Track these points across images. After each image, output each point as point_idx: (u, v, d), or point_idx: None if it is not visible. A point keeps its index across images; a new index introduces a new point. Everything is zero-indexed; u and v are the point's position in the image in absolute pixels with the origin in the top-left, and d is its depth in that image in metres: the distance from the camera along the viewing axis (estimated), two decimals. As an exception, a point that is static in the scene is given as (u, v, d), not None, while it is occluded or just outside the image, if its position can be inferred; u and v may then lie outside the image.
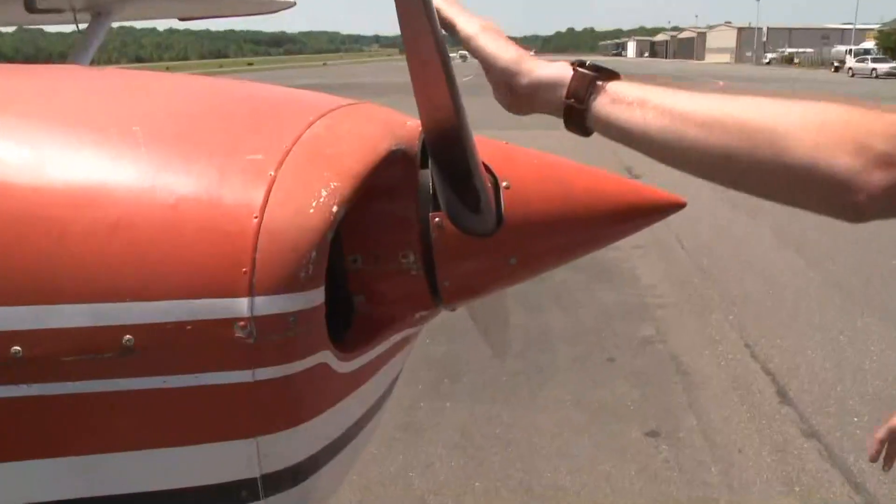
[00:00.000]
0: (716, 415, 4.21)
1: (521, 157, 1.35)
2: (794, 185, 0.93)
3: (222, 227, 0.99)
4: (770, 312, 5.89)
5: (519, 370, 4.77)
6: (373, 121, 1.31)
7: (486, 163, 1.26)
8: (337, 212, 1.04)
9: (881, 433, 1.93)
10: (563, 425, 4.10)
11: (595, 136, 1.20)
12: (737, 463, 3.75)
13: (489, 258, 1.26)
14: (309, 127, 1.16)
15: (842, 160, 0.88)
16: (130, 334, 0.97)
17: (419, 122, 1.17)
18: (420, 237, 1.23)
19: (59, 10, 3.87)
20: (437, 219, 1.22)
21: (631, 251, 7.54)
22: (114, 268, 0.98)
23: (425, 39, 0.98)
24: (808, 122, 0.91)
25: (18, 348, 0.98)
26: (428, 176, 1.24)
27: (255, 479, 1.08)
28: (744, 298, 6.21)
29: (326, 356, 1.08)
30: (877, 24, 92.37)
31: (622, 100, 1.06)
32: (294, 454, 1.10)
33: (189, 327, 0.97)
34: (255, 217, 0.99)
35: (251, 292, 0.97)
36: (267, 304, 0.98)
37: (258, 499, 1.10)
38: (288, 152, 1.07)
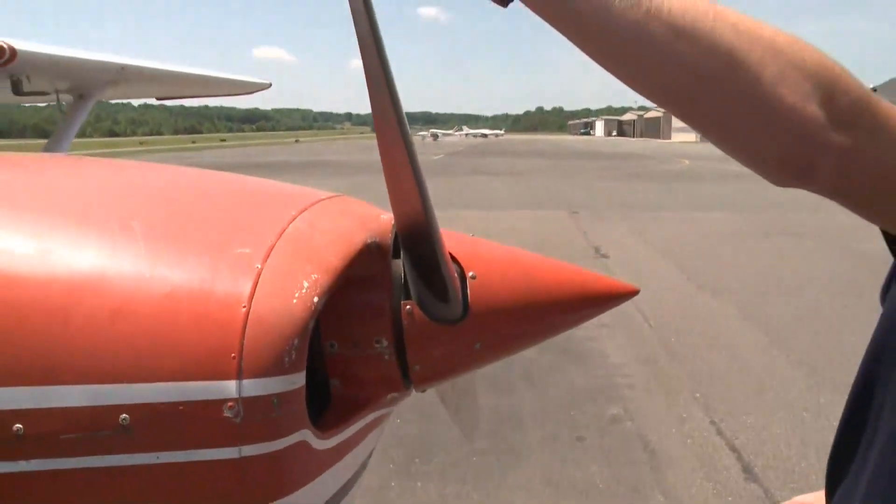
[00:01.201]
0: (683, 492, 4.28)
1: (487, 249, 1.46)
2: (756, 124, 0.81)
3: (213, 315, 1.09)
4: (736, 390, 5.98)
5: (489, 450, 4.81)
6: (349, 215, 1.42)
7: (454, 255, 1.37)
8: (317, 302, 1.14)
9: None
10: (533, 505, 4.15)
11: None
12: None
13: (456, 344, 1.37)
14: (291, 222, 1.27)
15: (812, 108, 0.79)
16: (127, 413, 1.06)
17: (392, 215, 1.29)
18: (392, 324, 1.34)
19: (44, 93, 4.00)
20: (408, 307, 1.32)
21: (599, 330, 7.64)
22: (112, 352, 1.07)
23: (398, 148, 1.09)
24: (785, 57, 0.80)
25: (20, 426, 1.06)
26: (400, 266, 1.36)
27: (238, 552, 1.16)
28: (710, 376, 6.30)
29: (306, 434, 1.17)
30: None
31: None
32: (275, 527, 1.18)
33: (181, 407, 1.06)
34: (244, 307, 1.09)
35: (239, 376, 1.06)
36: (253, 387, 1.07)
37: (240, 571, 1.17)
38: (272, 247, 1.18)
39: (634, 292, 1.56)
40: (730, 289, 9.17)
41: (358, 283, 1.33)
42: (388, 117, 1.07)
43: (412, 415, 5.20)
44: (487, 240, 1.51)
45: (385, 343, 1.34)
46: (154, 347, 1.07)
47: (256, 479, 1.12)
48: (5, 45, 2.92)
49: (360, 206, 1.55)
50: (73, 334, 1.07)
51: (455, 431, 4.66)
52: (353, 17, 0.98)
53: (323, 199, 1.46)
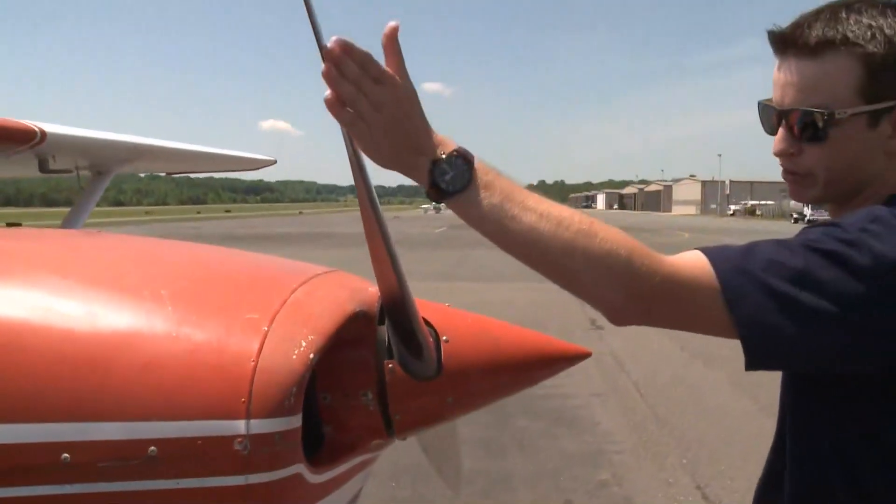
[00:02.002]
0: (666, 555, 4.45)
1: (459, 317, 1.73)
2: (582, 290, 1.28)
3: (227, 367, 1.35)
4: (723, 456, 6.15)
5: (481, 511, 4.99)
6: (342, 288, 1.69)
7: (431, 321, 1.64)
8: (313, 358, 1.40)
9: None
10: (521, 564, 4.31)
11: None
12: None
13: (432, 398, 1.63)
14: (293, 292, 1.54)
15: (615, 296, 1.25)
16: (155, 446, 1.31)
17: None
18: (377, 380, 1.60)
19: (66, 171, 4.30)
20: (390, 365, 1.59)
21: (590, 398, 7.84)
22: (144, 395, 1.33)
23: (378, 241, 1.38)
24: (597, 259, 1.22)
25: (67, 455, 1.31)
26: (384, 331, 1.63)
27: (242, 567, 1.40)
28: (698, 443, 6.47)
29: (301, 468, 1.42)
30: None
31: (489, 188, 1.25)
32: (274, 546, 1.42)
33: (200, 441, 1.32)
34: (252, 361, 1.35)
35: (248, 416, 1.32)
36: (259, 426, 1.32)
37: (243, 585, 1.41)
38: (277, 312, 1.45)
39: (587, 354, 1.82)
40: (721, 357, 9.33)
41: (348, 344, 1.60)
42: (371, 222, 1.37)
43: (407, 478, 5.38)
44: (460, 309, 1.78)
45: (370, 396, 1.61)
46: (178, 392, 1.33)
47: (260, 503, 1.36)
48: (37, 129, 3.22)
49: (352, 279, 1.82)
50: (113, 381, 1.33)
51: (448, 494, 4.86)
52: (346, 147, 1.28)
53: (320, 274, 1.74)
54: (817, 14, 1.35)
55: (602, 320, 9.27)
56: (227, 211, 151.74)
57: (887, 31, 1.30)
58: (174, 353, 1.36)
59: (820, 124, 1.35)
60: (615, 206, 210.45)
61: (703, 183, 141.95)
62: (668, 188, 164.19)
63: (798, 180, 1.46)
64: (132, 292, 1.49)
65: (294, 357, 1.38)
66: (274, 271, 1.81)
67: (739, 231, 54.91)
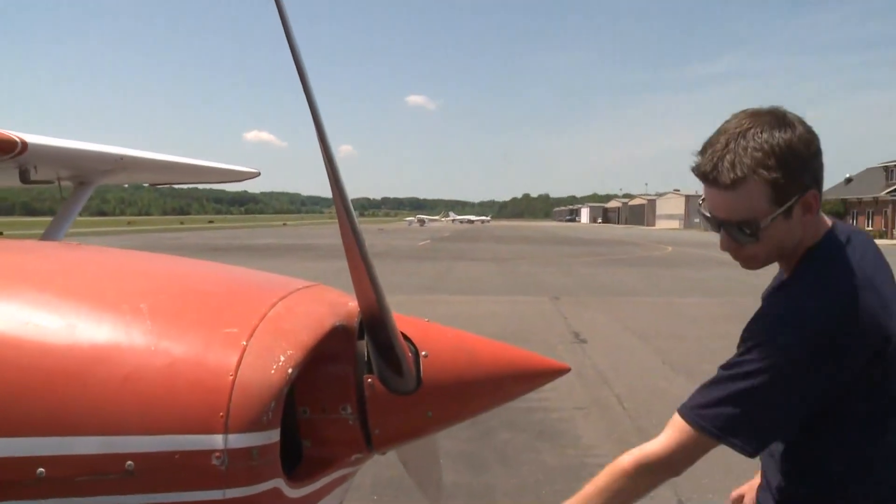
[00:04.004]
0: (646, 569, 4.44)
1: (438, 332, 1.73)
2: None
3: (206, 382, 1.35)
4: (703, 471, 6.13)
5: (462, 525, 4.98)
6: (322, 302, 1.70)
7: (411, 336, 1.65)
8: (291, 373, 1.40)
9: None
10: (502, 578, 4.30)
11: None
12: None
13: (411, 412, 1.63)
14: (272, 307, 1.54)
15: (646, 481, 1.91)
16: (132, 460, 1.31)
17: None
18: (356, 394, 1.61)
19: (48, 182, 4.27)
20: (369, 380, 1.60)
21: (573, 412, 7.85)
22: (122, 409, 1.32)
23: (358, 258, 1.40)
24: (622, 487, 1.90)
25: (42, 469, 1.31)
26: (364, 346, 1.63)
27: (220, 582, 1.39)
28: (679, 458, 6.49)
29: (279, 483, 1.42)
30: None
31: None
32: (252, 561, 1.41)
33: (177, 456, 1.31)
34: (231, 375, 1.35)
35: (225, 431, 1.32)
36: (237, 440, 1.32)
37: None
38: (256, 327, 1.45)
39: (566, 370, 1.83)
40: (704, 371, 9.23)
41: (328, 358, 1.60)
42: (351, 240, 1.41)
43: (389, 491, 5.37)
44: (439, 324, 1.78)
45: (350, 410, 1.61)
46: (156, 406, 1.33)
47: (238, 518, 1.36)
48: (18, 139, 3.20)
49: (332, 294, 1.82)
50: (91, 394, 1.33)
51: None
52: (325, 165, 1.32)
53: (301, 289, 1.74)
54: (725, 147, 1.72)
55: (585, 334, 9.41)
56: (211, 222, 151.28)
57: (782, 147, 1.68)
58: (153, 367, 1.36)
59: (749, 231, 1.77)
60: (599, 220, 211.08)
61: (687, 197, 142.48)
62: (652, 202, 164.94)
63: (744, 262, 1.92)
64: (111, 306, 1.48)
65: (273, 371, 1.38)
66: (253, 286, 1.80)
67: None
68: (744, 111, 1.78)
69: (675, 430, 1.83)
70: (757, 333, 1.75)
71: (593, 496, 1.88)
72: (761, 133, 1.69)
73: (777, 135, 1.68)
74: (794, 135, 1.70)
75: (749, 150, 1.68)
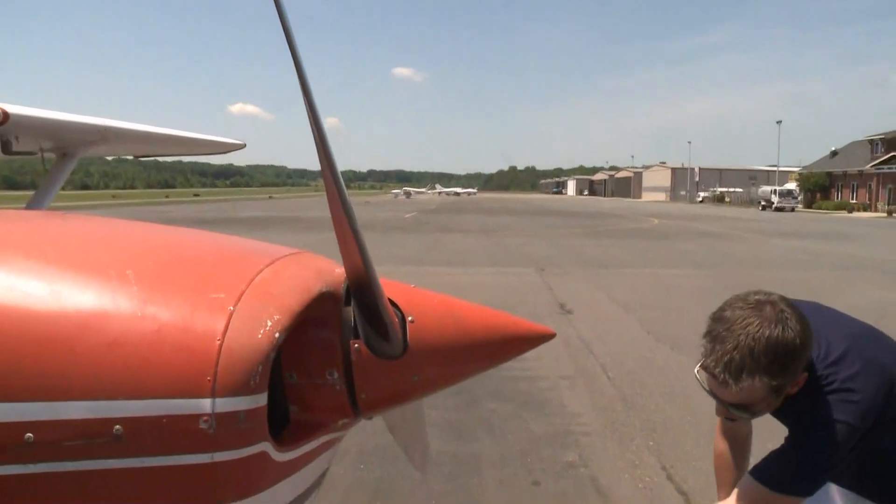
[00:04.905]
0: (631, 533, 4.51)
1: (424, 297, 1.74)
2: None
3: (193, 346, 1.35)
4: (689, 438, 6.23)
5: (448, 492, 5.02)
6: (308, 268, 1.70)
7: (397, 301, 1.66)
8: (278, 337, 1.41)
9: None
10: (489, 544, 4.36)
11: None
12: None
13: (397, 376, 1.64)
14: (259, 273, 1.55)
15: None
16: (120, 424, 1.32)
17: None
18: (343, 359, 1.62)
19: (30, 153, 4.24)
20: (356, 345, 1.61)
21: (559, 381, 7.91)
22: (109, 374, 1.33)
23: (344, 223, 1.40)
24: None
25: (31, 434, 1.31)
26: (351, 311, 1.64)
27: (209, 543, 1.41)
28: (664, 425, 6.55)
29: (267, 446, 1.43)
30: (797, 166, 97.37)
31: None
32: (240, 522, 1.43)
33: (165, 420, 1.32)
34: (218, 340, 1.36)
35: (213, 395, 1.33)
36: (224, 404, 1.33)
37: (211, 558, 1.42)
38: (243, 293, 1.45)
39: (551, 335, 1.85)
40: (688, 342, 9.42)
41: (314, 324, 1.61)
42: (337, 203, 1.42)
43: (375, 459, 5.41)
44: (426, 289, 1.79)
45: (336, 375, 1.62)
46: (144, 371, 1.33)
47: (225, 481, 1.38)
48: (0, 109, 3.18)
49: (319, 260, 1.83)
50: (78, 360, 1.33)
51: (414, 476, 4.89)
52: (312, 129, 1.32)
53: (287, 255, 1.74)
54: (734, 350, 1.89)
55: (570, 304, 9.47)
56: (196, 195, 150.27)
57: (784, 354, 1.87)
58: (139, 333, 1.36)
59: (747, 412, 2.05)
60: (585, 192, 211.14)
61: (673, 170, 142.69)
62: (639, 175, 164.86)
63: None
64: (97, 272, 1.48)
65: (260, 336, 1.39)
66: (240, 252, 1.80)
67: (709, 217, 55.45)
68: (744, 301, 1.96)
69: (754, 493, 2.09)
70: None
71: None
72: (766, 337, 1.86)
73: (779, 337, 1.86)
74: (795, 334, 1.88)
75: (756, 355, 1.86)
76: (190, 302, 1.42)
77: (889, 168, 67.11)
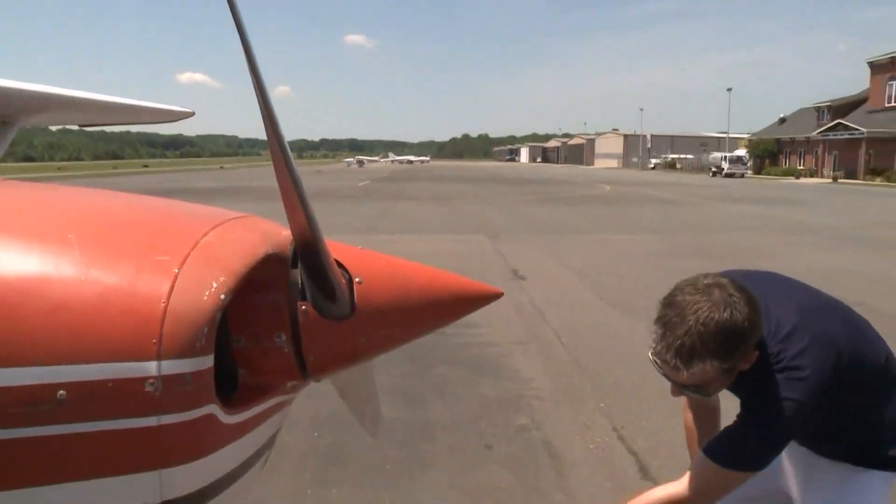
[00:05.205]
0: (582, 492, 4.57)
1: (371, 258, 1.75)
2: None
3: (138, 309, 1.35)
4: (639, 399, 6.33)
5: (401, 458, 5.05)
6: (254, 231, 1.69)
7: (344, 263, 1.66)
8: (224, 299, 1.41)
9: None
10: (442, 506, 4.41)
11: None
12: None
13: (344, 338, 1.65)
14: (204, 235, 1.54)
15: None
16: (63, 390, 1.31)
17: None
18: (290, 321, 1.62)
19: (-35, 121, 4.13)
20: (303, 307, 1.61)
21: (511, 346, 7.98)
22: (52, 339, 1.32)
23: (289, 184, 1.40)
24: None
25: None
26: (297, 274, 1.64)
27: (156, 505, 1.41)
28: (615, 388, 6.65)
29: (214, 409, 1.43)
30: (747, 133, 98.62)
31: None
32: (188, 485, 1.43)
33: (110, 384, 1.32)
34: (163, 302, 1.35)
35: (158, 357, 1.32)
36: (170, 366, 1.33)
37: (159, 522, 1.43)
38: (187, 255, 1.45)
39: (499, 294, 1.87)
40: (640, 307, 9.57)
41: (261, 286, 1.61)
42: (281, 165, 1.41)
43: (329, 426, 5.43)
44: (373, 251, 1.80)
45: (284, 337, 1.62)
46: (87, 335, 1.32)
47: (172, 444, 1.38)
48: (-67, 76, 3.09)
49: (265, 224, 1.82)
50: (20, 326, 1.32)
51: (368, 442, 4.92)
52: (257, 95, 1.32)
53: (233, 219, 1.73)
54: (685, 335, 1.93)
55: (523, 271, 9.55)
56: (146, 166, 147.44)
57: (734, 337, 1.92)
58: (82, 297, 1.35)
59: (700, 392, 2.11)
60: (538, 160, 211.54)
61: (626, 137, 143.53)
62: (591, 142, 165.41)
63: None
64: (38, 237, 1.46)
65: (205, 298, 1.39)
66: (185, 216, 1.79)
67: (660, 184, 56.00)
68: (693, 285, 2.00)
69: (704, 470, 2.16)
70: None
71: None
72: (715, 321, 1.91)
73: (728, 321, 1.91)
74: (743, 317, 1.93)
75: (705, 341, 1.91)
76: (134, 265, 1.41)
77: (834, 135, 68.19)
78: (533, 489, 4.57)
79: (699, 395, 2.13)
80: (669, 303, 2.00)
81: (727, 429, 2.17)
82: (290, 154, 1.40)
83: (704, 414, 2.72)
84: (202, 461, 1.44)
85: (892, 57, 66.43)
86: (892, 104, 65.77)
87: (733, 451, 2.09)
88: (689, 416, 2.70)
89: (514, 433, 5.58)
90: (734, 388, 2.20)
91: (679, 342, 1.93)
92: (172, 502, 1.42)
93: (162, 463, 1.38)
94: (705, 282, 1.99)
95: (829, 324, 2.16)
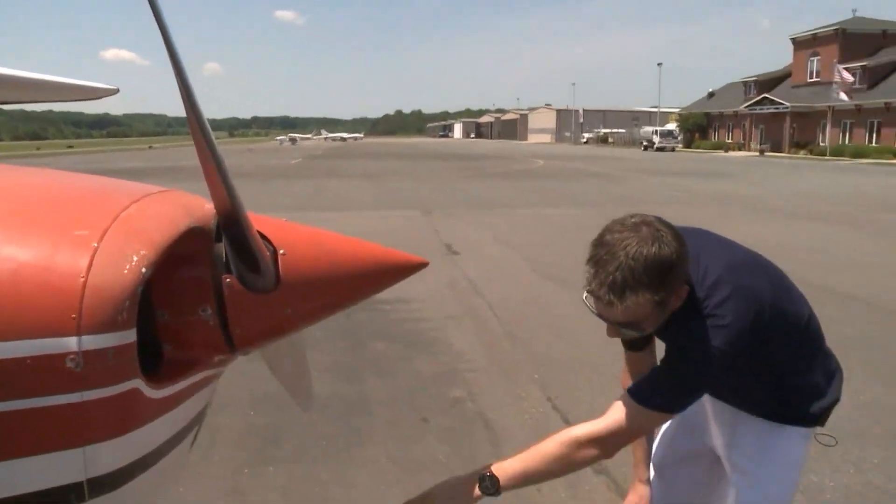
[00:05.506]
0: (517, 463, 4.64)
1: (296, 230, 1.74)
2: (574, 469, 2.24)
3: (56, 285, 1.32)
4: (572, 370, 6.44)
5: (337, 434, 5.06)
6: (176, 204, 1.67)
7: (267, 236, 1.65)
8: (145, 272, 1.39)
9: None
10: (378, 480, 4.40)
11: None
12: (535, 501, 4.16)
13: (270, 310, 1.64)
14: (124, 209, 1.51)
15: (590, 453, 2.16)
16: (-19, 369, 1.28)
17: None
18: (214, 294, 1.60)
19: None
20: (227, 279, 1.60)
21: (445, 321, 8.03)
22: None
23: (209, 158, 1.39)
24: (567, 454, 2.17)
25: None
26: (221, 248, 1.62)
27: (81, 483, 1.39)
28: (549, 359, 6.74)
29: (138, 383, 1.42)
30: (677, 108, 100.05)
31: (513, 478, 2.18)
32: (114, 462, 1.42)
33: (29, 361, 1.29)
34: (82, 277, 1.33)
35: (78, 332, 1.30)
36: (91, 342, 1.31)
37: (84, 500, 1.41)
38: (107, 229, 1.42)
39: (424, 264, 1.88)
40: (572, 279, 9.63)
41: (184, 260, 1.59)
42: (200, 139, 1.40)
43: (264, 406, 5.40)
44: (297, 223, 1.79)
45: (209, 311, 1.61)
46: (4, 313, 1.30)
47: (96, 419, 1.36)
48: None
49: (188, 198, 1.80)
50: None
51: (305, 419, 4.90)
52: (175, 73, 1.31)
53: (154, 193, 1.71)
54: (615, 271, 1.96)
55: (457, 246, 9.60)
56: (70, 147, 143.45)
57: (664, 268, 1.95)
58: None
59: (634, 329, 2.11)
60: (472, 135, 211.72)
61: (558, 112, 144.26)
62: (524, 117, 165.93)
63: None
64: None
65: (125, 272, 1.37)
66: (104, 190, 1.76)
67: (593, 158, 56.56)
68: (622, 224, 2.04)
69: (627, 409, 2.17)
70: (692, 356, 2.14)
71: (536, 460, 2.20)
72: (644, 255, 1.95)
73: (657, 254, 1.95)
74: (671, 250, 1.97)
75: (636, 274, 1.94)
76: (51, 240, 1.38)
77: (761, 109, 69.58)
78: (469, 460, 4.61)
79: (635, 332, 2.15)
80: (599, 242, 2.04)
81: (651, 371, 2.23)
82: (209, 127, 1.38)
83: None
84: (128, 437, 1.42)
85: (814, 34, 67.94)
86: (814, 79, 67.33)
87: (654, 393, 2.14)
88: (627, 380, 2.77)
89: (449, 406, 5.63)
90: (662, 334, 2.26)
91: (611, 277, 1.96)
92: (98, 479, 1.40)
93: (85, 440, 1.36)
94: (633, 220, 2.04)
95: (754, 279, 2.22)
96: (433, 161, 53.59)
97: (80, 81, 5.61)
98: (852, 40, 64.09)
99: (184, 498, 4.12)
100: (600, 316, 2.10)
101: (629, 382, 2.66)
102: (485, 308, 8.63)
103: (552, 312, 8.44)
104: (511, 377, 6.29)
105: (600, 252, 2.01)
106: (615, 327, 2.15)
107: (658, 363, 2.31)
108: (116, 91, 6.26)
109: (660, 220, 2.06)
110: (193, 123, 1.38)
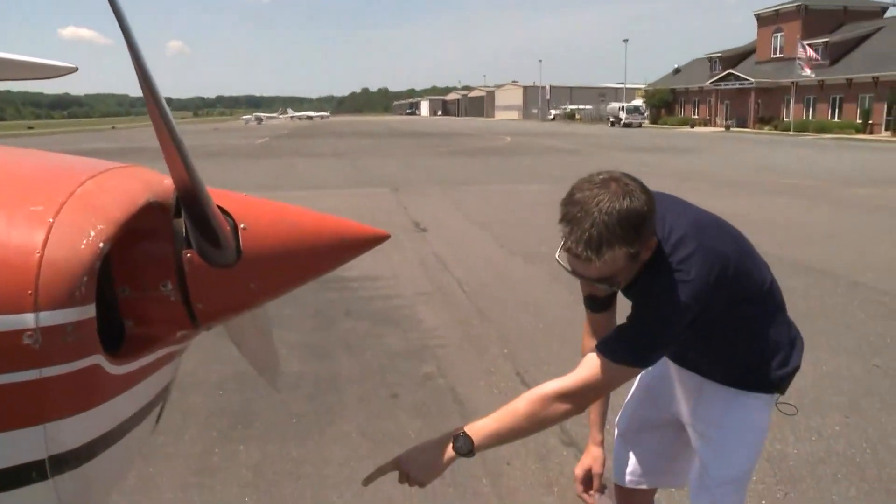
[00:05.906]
0: (487, 436, 4.67)
1: (258, 205, 1.72)
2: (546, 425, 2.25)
3: (11, 261, 1.30)
4: (541, 344, 6.48)
5: (308, 411, 5.05)
6: (135, 180, 1.65)
7: (228, 210, 1.63)
8: (103, 247, 1.37)
9: (579, 472, 2.81)
10: (350, 456, 4.40)
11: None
12: (505, 473, 4.19)
13: (232, 284, 1.63)
14: (81, 185, 1.49)
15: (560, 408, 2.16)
16: (-63, 348, 1.26)
17: None
18: (175, 269, 1.59)
19: None
20: (188, 254, 1.58)
21: (415, 297, 8.03)
22: None
23: (164, 132, 1.37)
24: (538, 411, 2.16)
25: None
26: (182, 223, 1.61)
27: (43, 461, 1.38)
28: (518, 334, 6.78)
29: (99, 359, 1.40)
30: (643, 84, 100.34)
31: (487, 438, 2.16)
32: (76, 439, 1.41)
33: (-14, 338, 1.27)
34: (38, 253, 1.31)
35: (36, 308, 1.29)
36: (48, 318, 1.29)
37: (46, 478, 1.40)
38: (63, 204, 1.40)
39: (386, 236, 1.87)
40: (540, 254, 9.73)
41: (144, 235, 1.58)
42: (157, 116, 1.39)
43: (234, 386, 5.38)
44: (258, 197, 1.78)
45: (170, 286, 1.59)
46: None
47: (57, 396, 1.35)
48: None
49: (147, 173, 1.78)
50: None
51: (275, 398, 4.89)
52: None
53: (112, 168, 1.69)
54: (590, 227, 1.96)
55: (425, 223, 9.57)
56: (30, 128, 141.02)
57: (635, 220, 1.98)
58: None
59: (609, 283, 2.15)
60: (439, 113, 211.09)
61: (525, 88, 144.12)
62: (491, 94, 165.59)
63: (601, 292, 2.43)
64: None
65: (82, 247, 1.35)
66: (61, 166, 1.73)
67: (560, 134, 56.66)
68: (590, 182, 2.05)
69: (591, 368, 2.20)
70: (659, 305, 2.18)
71: (509, 418, 2.18)
72: (617, 209, 1.96)
73: (629, 207, 1.97)
74: (642, 202, 2.00)
75: (611, 228, 1.96)
76: (5, 216, 1.36)
77: (726, 85, 69.98)
78: (440, 434, 4.63)
79: (609, 286, 2.20)
80: (570, 201, 2.04)
81: (618, 328, 2.26)
82: (164, 102, 1.36)
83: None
84: (89, 413, 1.41)
85: (777, 10, 68.29)
86: (778, 55, 67.73)
87: (620, 348, 2.17)
88: (590, 343, 2.79)
89: (419, 381, 5.64)
90: (628, 291, 2.29)
91: (587, 234, 1.97)
92: (60, 456, 1.39)
93: (46, 417, 1.35)
94: (601, 177, 2.05)
95: (718, 239, 2.26)
96: (401, 139, 53.39)
97: (38, 59, 5.51)
98: (814, 16, 64.50)
99: (154, 479, 4.10)
100: (575, 273, 2.12)
101: (590, 344, 2.68)
102: (454, 284, 8.65)
103: (520, 287, 8.48)
104: (480, 352, 6.31)
105: (573, 210, 2.02)
106: (589, 283, 2.19)
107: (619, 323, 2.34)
108: (75, 69, 6.15)
109: (626, 174, 2.08)
110: (148, 96, 1.37)
